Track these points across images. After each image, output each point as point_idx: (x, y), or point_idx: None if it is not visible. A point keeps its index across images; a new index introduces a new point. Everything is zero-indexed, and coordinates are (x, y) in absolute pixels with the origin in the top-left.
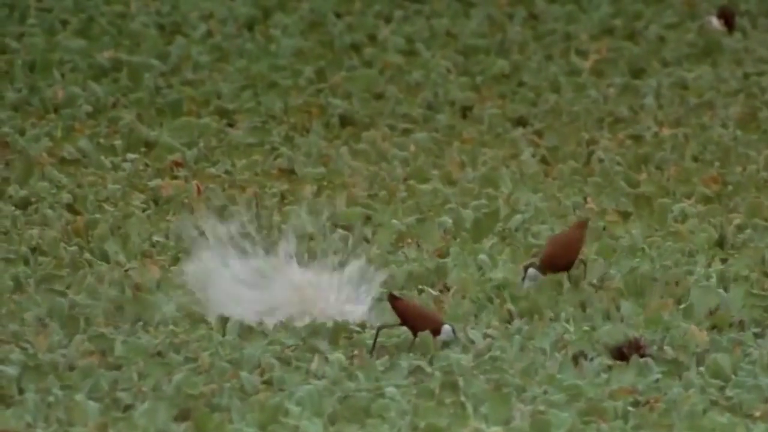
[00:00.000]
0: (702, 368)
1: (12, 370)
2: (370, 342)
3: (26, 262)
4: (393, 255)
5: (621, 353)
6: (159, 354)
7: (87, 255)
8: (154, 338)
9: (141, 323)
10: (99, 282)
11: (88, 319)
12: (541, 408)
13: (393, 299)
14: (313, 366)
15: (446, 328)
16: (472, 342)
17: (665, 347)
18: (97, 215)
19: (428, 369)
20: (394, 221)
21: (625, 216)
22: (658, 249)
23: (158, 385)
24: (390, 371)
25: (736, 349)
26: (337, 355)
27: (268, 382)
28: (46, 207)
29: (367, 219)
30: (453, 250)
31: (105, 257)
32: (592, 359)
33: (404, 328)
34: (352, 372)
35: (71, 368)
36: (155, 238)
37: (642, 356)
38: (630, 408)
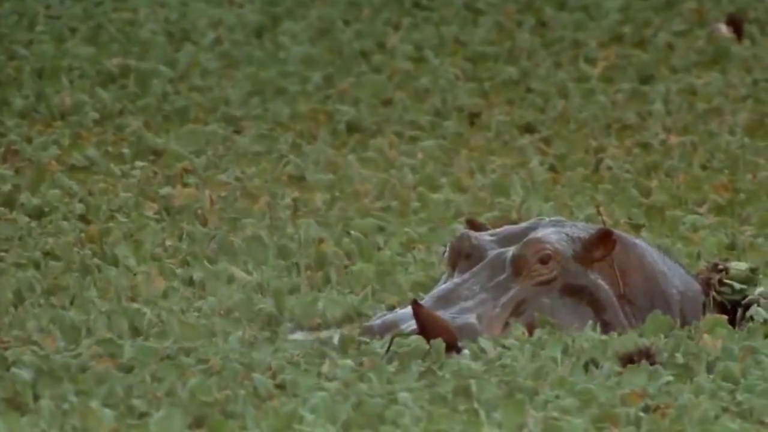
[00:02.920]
0: (712, 375)
1: (26, 374)
2: (379, 351)
3: (37, 266)
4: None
5: (631, 361)
6: (169, 357)
7: (96, 260)
8: (163, 342)
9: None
10: (105, 288)
11: (90, 329)
12: (554, 414)
13: (416, 305)
14: (324, 369)
15: (465, 353)
16: (484, 352)
17: (676, 354)
18: (111, 224)
19: (439, 372)
20: (407, 230)
21: (636, 228)
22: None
23: (173, 389)
24: (401, 374)
25: (747, 356)
26: (347, 361)
27: (280, 386)
28: (60, 218)
29: (381, 229)
30: None
31: (116, 263)
32: (602, 367)
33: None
34: (364, 374)
35: (83, 370)
36: (168, 243)
37: (652, 364)
38: (641, 414)
